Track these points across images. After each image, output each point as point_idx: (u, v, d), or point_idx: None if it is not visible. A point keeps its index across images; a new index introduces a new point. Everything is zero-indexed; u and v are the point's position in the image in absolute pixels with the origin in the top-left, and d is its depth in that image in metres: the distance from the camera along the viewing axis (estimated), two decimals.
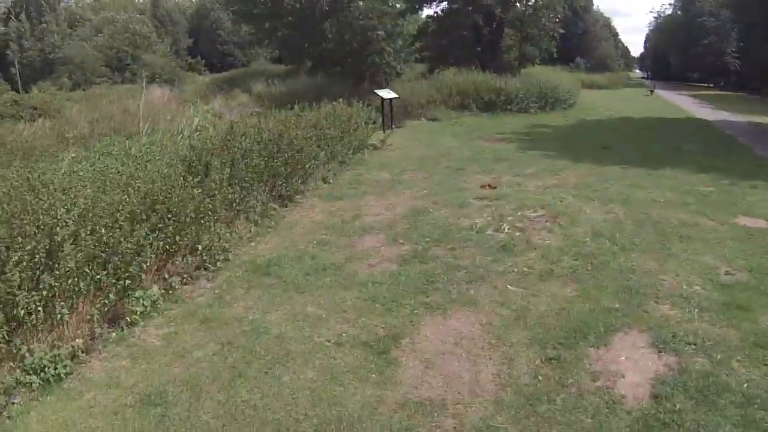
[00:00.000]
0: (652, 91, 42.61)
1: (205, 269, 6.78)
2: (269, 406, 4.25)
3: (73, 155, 10.93)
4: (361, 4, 35.51)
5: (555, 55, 38.75)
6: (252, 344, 5.10)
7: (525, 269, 6.42)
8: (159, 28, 67.47)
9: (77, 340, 4.95)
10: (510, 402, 4.22)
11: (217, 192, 7.28)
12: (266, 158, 8.78)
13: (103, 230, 5.31)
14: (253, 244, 7.78)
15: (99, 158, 9.45)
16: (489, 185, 9.51)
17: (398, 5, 34.63)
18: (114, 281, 5.41)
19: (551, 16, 33.75)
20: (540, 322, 5.29)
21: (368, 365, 4.73)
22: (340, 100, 13.25)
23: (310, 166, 10.05)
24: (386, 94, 16.64)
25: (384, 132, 15.64)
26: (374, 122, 16.01)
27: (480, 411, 4.14)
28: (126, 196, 5.87)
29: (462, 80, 23.92)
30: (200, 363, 4.84)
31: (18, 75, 58.94)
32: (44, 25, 62.37)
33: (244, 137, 8.65)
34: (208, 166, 7.68)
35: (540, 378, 4.49)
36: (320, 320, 5.50)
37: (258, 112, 25.64)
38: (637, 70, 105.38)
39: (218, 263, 6.94)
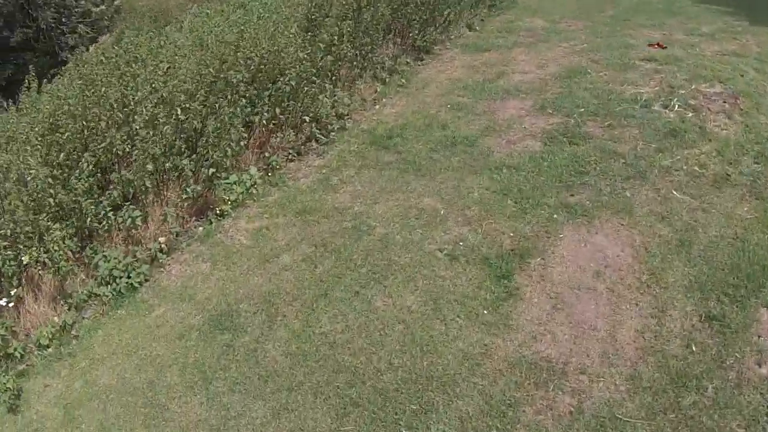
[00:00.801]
0: None
1: (317, 140, 5.84)
2: (350, 344, 3.38)
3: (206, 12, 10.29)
4: None
5: None
6: (349, 249, 4.18)
7: (696, 168, 4.65)
8: None
9: (159, 239, 4.39)
10: (649, 382, 3.00)
11: (331, 50, 6.10)
12: (394, 7, 7.27)
13: (179, 111, 4.49)
14: (377, 107, 6.59)
15: (233, 12, 8.64)
16: (659, 44, 7.15)
17: None
18: (194, 169, 4.67)
19: None
20: (707, 254, 3.78)
21: (482, 294, 3.59)
22: None
23: (450, 13, 8.25)
24: None
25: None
26: None
27: (608, 391, 2.98)
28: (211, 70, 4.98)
29: None
30: (285, 272, 4.05)
31: None
32: None
33: None
34: (324, 19, 6.42)
35: (694, 348, 3.16)
36: (436, 218, 4.37)
37: None
38: None
39: (332, 134, 5.94)
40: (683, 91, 5.85)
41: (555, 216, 4.19)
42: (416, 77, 7.25)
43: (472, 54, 7.80)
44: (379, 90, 6.87)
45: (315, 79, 5.78)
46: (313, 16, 6.68)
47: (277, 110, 5.46)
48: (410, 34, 7.70)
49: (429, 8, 7.83)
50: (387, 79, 7.07)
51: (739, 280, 3.53)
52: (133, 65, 5.31)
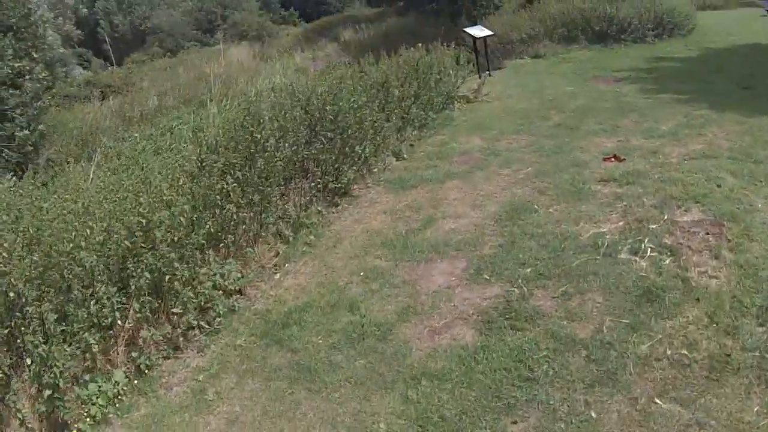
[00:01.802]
0: None
1: (200, 329, 4.76)
2: None
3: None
4: None
5: None
6: None
7: (684, 352, 3.67)
8: None
9: None
10: None
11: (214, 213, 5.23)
12: (296, 148, 6.51)
13: None
14: (278, 276, 5.61)
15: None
16: (615, 156, 6.84)
17: None
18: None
19: None
20: None
21: None
22: (420, 45, 11.10)
23: (366, 147, 7.34)
24: (478, 31, 14.02)
25: (479, 77, 13.41)
26: (470, 63, 13.93)
27: None
28: None
29: (567, 8, 20.98)
30: None
31: (111, 50, 60.67)
32: None
33: (261, 126, 6.16)
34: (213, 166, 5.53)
35: None
36: None
37: (345, 62, 23.96)
38: None
39: (218, 319, 4.88)
40: (654, 226, 5.07)
41: None
42: (329, 230, 6.45)
43: (397, 193, 7.08)
44: (281, 252, 5.93)
45: (194, 251, 4.82)
46: (204, 163, 5.74)
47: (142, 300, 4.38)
48: (322, 176, 6.89)
49: (342, 144, 7.10)
50: (291, 238, 6.15)
51: None
52: None
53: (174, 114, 18.06)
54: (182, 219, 4.77)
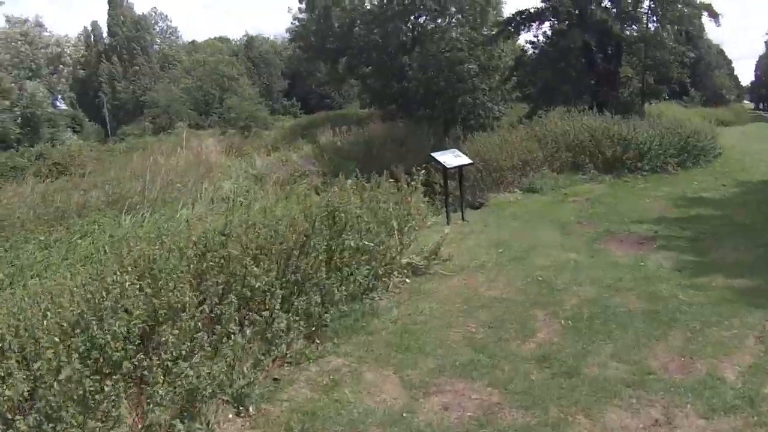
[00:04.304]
0: None
1: None
2: None
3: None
4: (453, 34, 29.71)
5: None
6: None
7: None
8: (251, 69, 64.94)
9: None
10: None
11: None
12: None
13: None
14: None
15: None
16: None
17: (491, 31, 28.71)
18: None
19: (679, 35, 26.19)
20: None
21: None
22: (359, 178, 7.72)
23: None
24: (451, 158, 10.56)
25: (447, 224, 9.72)
26: (441, 199, 10.37)
27: None
28: None
29: (573, 127, 17.31)
30: None
31: (107, 117, 58.84)
32: (137, 67, 62.14)
33: None
34: None
35: None
36: None
37: (308, 172, 21.07)
38: (746, 101, 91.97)
39: None
40: None
41: None
42: None
43: None
44: None
45: None
46: None
47: None
48: None
49: None
50: None
51: None
52: None
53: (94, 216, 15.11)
54: None
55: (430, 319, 6.02)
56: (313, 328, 5.31)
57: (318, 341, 5.40)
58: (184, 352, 4.14)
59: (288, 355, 5.06)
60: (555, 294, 6.66)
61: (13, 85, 35.34)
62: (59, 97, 65.40)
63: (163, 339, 4.16)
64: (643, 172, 15.70)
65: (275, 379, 4.79)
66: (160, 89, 57.97)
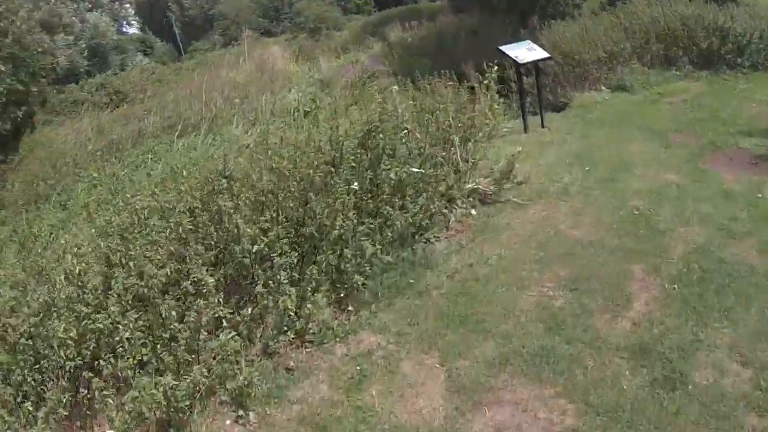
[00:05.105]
0: None
1: None
2: None
3: None
4: None
5: None
6: None
7: None
8: None
9: None
10: None
11: None
12: None
13: None
14: None
15: None
16: None
17: None
18: None
19: None
20: None
21: None
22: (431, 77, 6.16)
23: None
24: (525, 51, 8.78)
25: (525, 132, 7.97)
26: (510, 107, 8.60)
27: None
28: None
29: (664, 14, 14.60)
30: None
31: (178, 36, 58.40)
32: None
33: None
34: None
35: None
36: None
37: (377, 73, 19.35)
38: None
39: None
40: None
41: None
42: None
43: None
44: None
45: None
46: None
47: None
48: None
49: None
50: None
51: None
52: None
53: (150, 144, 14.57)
54: None
55: (495, 273, 4.68)
56: (342, 294, 4.10)
57: (351, 308, 4.19)
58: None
59: (310, 330, 3.90)
60: (655, 237, 5.06)
61: (74, 18, 34.87)
62: (124, 23, 65.28)
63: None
64: (743, 69, 13.34)
65: (288, 369, 3.68)
66: (227, 1, 56.48)
